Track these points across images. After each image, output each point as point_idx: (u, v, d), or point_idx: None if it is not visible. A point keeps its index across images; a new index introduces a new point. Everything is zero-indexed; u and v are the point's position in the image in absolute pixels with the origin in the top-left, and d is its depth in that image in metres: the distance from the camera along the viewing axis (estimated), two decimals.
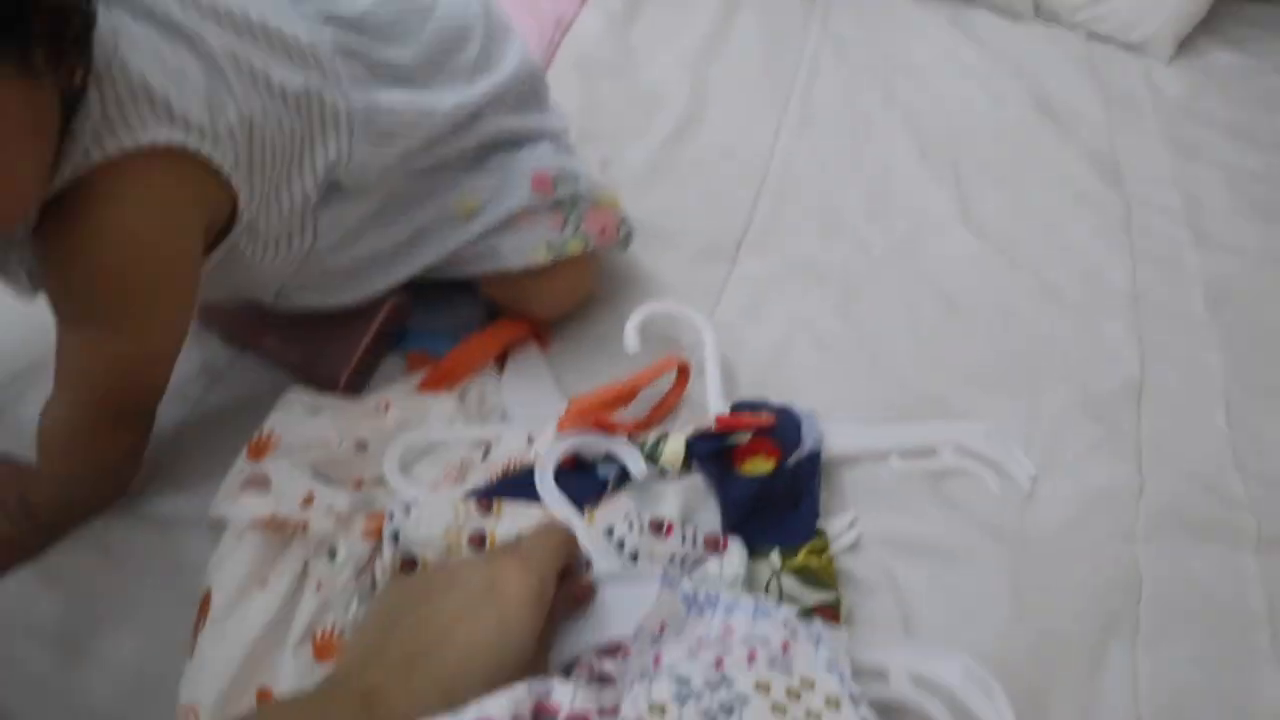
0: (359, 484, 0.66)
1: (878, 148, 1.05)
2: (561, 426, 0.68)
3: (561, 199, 0.76)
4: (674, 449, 0.67)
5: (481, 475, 0.67)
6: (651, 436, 0.68)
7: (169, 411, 0.72)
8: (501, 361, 0.77)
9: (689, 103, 1.04)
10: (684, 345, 0.79)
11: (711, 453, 0.67)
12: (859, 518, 0.69)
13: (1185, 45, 1.29)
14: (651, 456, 0.67)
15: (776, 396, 0.76)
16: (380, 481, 0.66)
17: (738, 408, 0.72)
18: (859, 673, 0.57)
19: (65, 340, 0.60)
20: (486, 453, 0.69)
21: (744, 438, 0.67)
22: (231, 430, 0.67)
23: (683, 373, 0.73)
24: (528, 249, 0.74)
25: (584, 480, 0.66)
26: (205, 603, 0.60)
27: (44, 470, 0.64)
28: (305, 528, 0.60)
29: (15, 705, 0.58)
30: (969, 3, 1.30)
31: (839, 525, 0.68)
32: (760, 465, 0.67)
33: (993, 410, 0.79)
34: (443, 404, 0.72)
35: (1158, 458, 0.77)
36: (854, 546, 0.68)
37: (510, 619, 0.47)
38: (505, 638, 0.47)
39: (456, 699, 0.42)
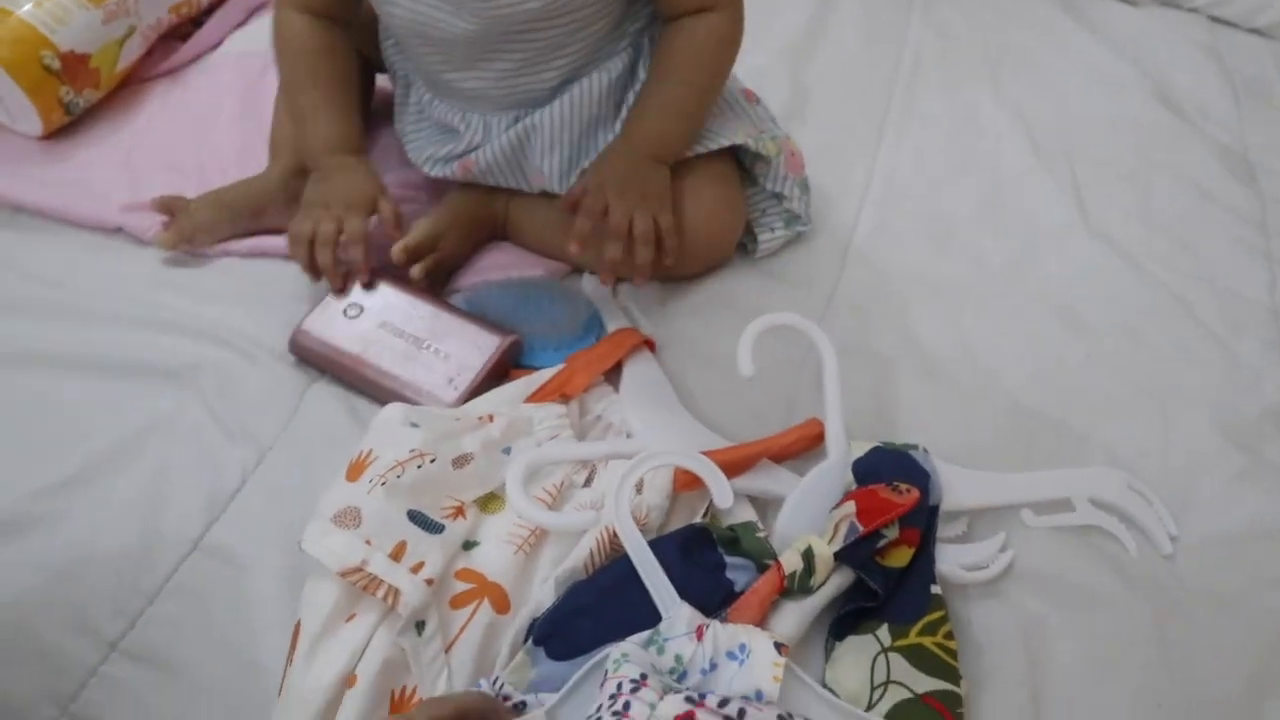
0: (459, 512, 0.63)
1: (988, 147, 1.00)
2: (681, 487, 0.65)
3: (762, 116, 0.86)
4: (824, 572, 0.59)
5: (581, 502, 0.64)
6: (800, 560, 0.60)
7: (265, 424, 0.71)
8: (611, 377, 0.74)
9: (788, 101, 1.00)
10: (797, 365, 0.75)
11: (866, 559, 0.60)
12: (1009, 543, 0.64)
13: None
14: (804, 586, 0.59)
15: (883, 422, 0.72)
16: (482, 504, 0.64)
17: (862, 470, 0.65)
18: (1043, 509, 0.66)
19: None
20: (590, 478, 0.67)
21: (894, 534, 0.61)
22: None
23: (819, 438, 0.69)
24: (730, 132, 0.82)
25: (705, 578, 0.59)
26: (295, 635, 0.58)
27: None
28: (395, 598, 0.57)
29: None
30: None
31: (985, 552, 0.64)
32: (902, 556, 0.61)
33: (1120, 438, 0.74)
34: (548, 414, 0.69)
35: None
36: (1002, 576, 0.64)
37: None
38: None
39: None
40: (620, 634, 0.54)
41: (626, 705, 0.49)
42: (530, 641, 0.56)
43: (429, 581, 0.57)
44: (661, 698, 0.50)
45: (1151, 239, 0.90)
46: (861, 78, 1.08)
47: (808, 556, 0.58)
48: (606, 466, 0.66)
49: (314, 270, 0.78)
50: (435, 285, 0.81)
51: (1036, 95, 1.06)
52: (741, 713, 0.49)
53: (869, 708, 0.55)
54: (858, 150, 0.98)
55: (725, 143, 0.81)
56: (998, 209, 0.93)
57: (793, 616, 0.59)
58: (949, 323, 0.82)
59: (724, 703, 0.49)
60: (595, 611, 0.57)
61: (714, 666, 0.54)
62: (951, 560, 0.64)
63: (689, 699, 0.49)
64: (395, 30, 0.81)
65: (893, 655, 0.56)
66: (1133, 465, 0.71)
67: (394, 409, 0.68)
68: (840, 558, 0.59)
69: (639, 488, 0.64)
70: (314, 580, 0.61)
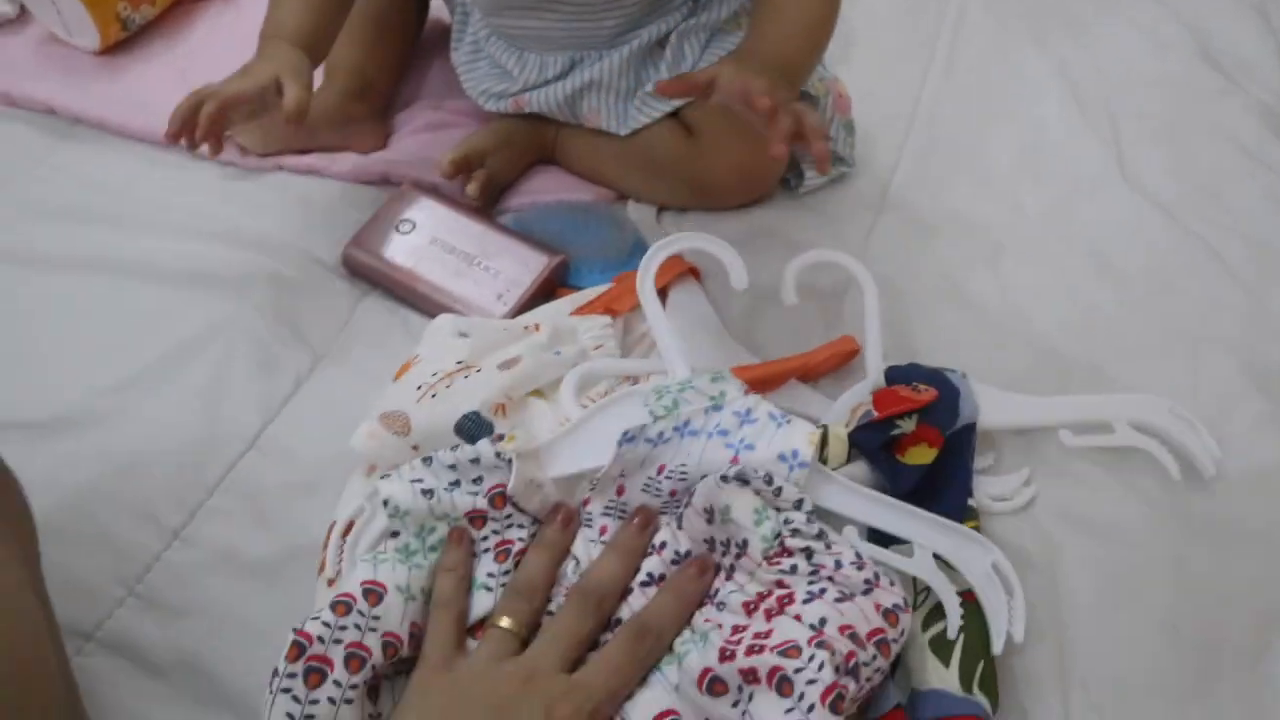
0: (502, 409, 0.65)
1: (1030, 97, 1.00)
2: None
3: None
4: (838, 452, 0.63)
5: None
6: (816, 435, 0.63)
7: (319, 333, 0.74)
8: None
9: (834, 44, 1.00)
10: (838, 297, 0.77)
11: (878, 446, 0.63)
12: (1032, 477, 0.66)
13: None
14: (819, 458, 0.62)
15: (919, 355, 0.74)
16: (527, 403, 0.66)
17: (892, 375, 0.68)
18: (1083, 430, 0.68)
19: None
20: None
21: (909, 425, 0.63)
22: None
23: (853, 351, 0.71)
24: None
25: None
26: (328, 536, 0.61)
27: None
28: None
29: None
30: None
31: (1010, 484, 0.66)
32: (923, 455, 0.63)
33: (1150, 381, 0.75)
34: (593, 325, 0.71)
35: None
36: (1026, 508, 0.66)
37: None
38: None
39: None
40: None
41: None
42: None
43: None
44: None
45: (1187, 192, 0.91)
46: (907, 24, 1.08)
47: (824, 434, 0.61)
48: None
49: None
50: (485, 204, 0.83)
51: (1080, 49, 1.06)
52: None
53: (914, 607, 0.58)
54: (901, 93, 0.99)
55: None
56: (1037, 157, 0.94)
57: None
58: (985, 264, 0.84)
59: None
60: None
61: (752, 419, 0.58)
62: (979, 491, 0.66)
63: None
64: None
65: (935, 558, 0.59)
66: None
67: (445, 319, 0.71)
68: (855, 442, 0.63)
69: None
70: (354, 478, 0.64)
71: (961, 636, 0.55)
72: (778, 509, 0.55)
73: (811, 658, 0.48)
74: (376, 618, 0.52)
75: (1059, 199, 0.90)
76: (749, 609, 0.52)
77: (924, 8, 1.10)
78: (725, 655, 0.49)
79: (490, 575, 0.56)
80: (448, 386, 0.65)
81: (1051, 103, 1.00)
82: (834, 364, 0.72)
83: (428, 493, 0.57)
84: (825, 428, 0.62)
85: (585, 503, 0.59)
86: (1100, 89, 1.01)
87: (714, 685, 0.49)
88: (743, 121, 0.79)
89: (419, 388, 0.65)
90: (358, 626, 0.51)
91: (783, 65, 0.70)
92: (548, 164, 0.89)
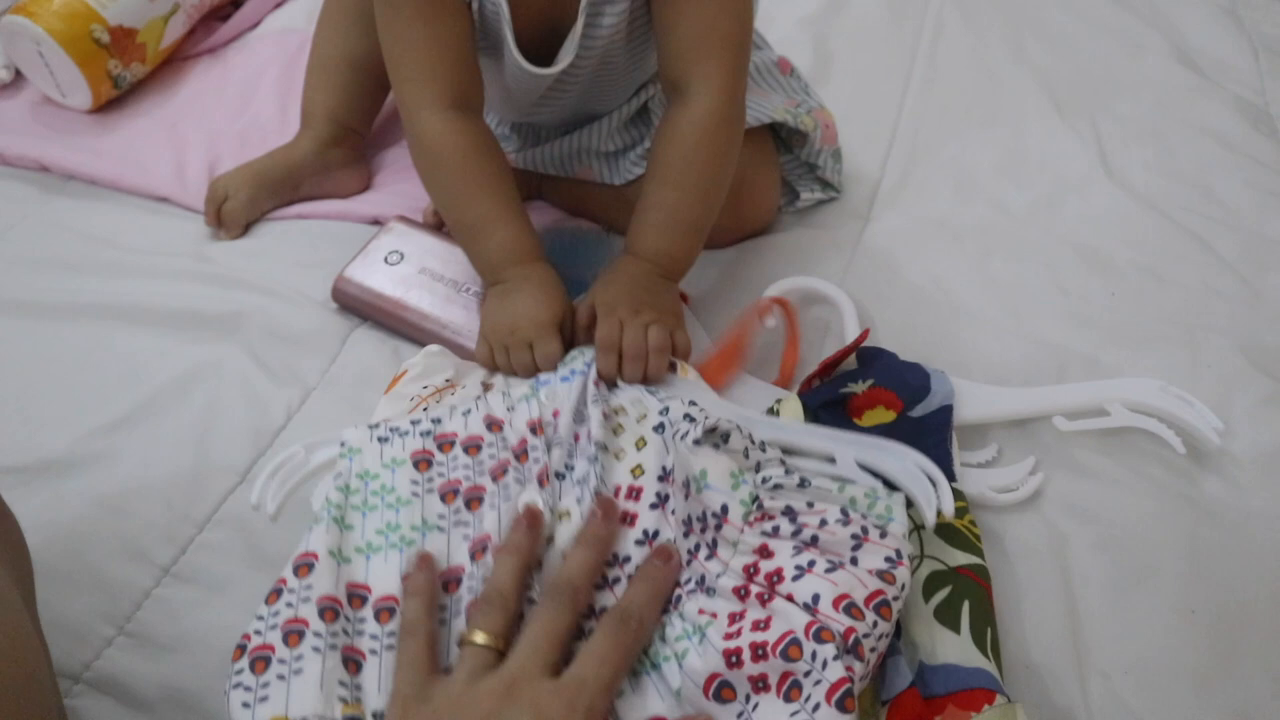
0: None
1: (1010, 104, 1.01)
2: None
3: (796, 87, 0.86)
4: (791, 409, 0.63)
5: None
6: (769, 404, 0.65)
7: (309, 367, 0.74)
8: None
9: (812, 62, 1.02)
10: (822, 317, 0.77)
11: (824, 404, 0.63)
12: (1038, 466, 0.65)
13: None
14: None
15: (913, 357, 0.73)
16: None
17: (863, 356, 0.69)
18: (1075, 416, 0.67)
19: None
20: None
21: (860, 386, 0.64)
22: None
23: (790, 318, 0.71)
24: (768, 108, 0.79)
25: None
26: None
27: None
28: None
29: None
30: None
31: (1015, 475, 0.65)
32: (881, 416, 0.64)
33: (1150, 368, 0.74)
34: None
35: None
36: (1033, 498, 0.64)
37: None
38: None
39: None
40: None
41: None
42: None
43: None
44: None
45: (1173, 186, 0.91)
46: (885, 38, 1.10)
47: (775, 403, 0.65)
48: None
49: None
50: None
51: (1057, 56, 1.07)
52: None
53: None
54: (882, 105, 1.00)
55: (765, 120, 0.81)
56: (1020, 160, 0.94)
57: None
58: (975, 266, 0.83)
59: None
60: None
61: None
62: (982, 483, 0.65)
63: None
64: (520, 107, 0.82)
65: (924, 532, 0.58)
66: None
67: (436, 349, 0.70)
68: (805, 404, 0.64)
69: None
70: None
71: (966, 603, 0.54)
72: (757, 468, 0.55)
73: (814, 654, 0.47)
74: (309, 587, 0.51)
75: (1044, 199, 0.90)
76: (741, 595, 0.50)
77: (902, 22, 1.12)
78: (732, 660, 0.48)
79: (441, 516, 0.56)
80: (437, 401, 0.65)
81: (1032, 108, 1.01)
82: (751, 321, 0.72)
83: (383, 439, 0.58)
84: (778, 398, 0.63)
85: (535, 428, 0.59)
86: (1080, 93, 1.02)
87: (722, 691, 0.48)
88: (739, 165, 0.77)
89: (411, 399, 0.65)
90: (289, 604, 0.50)
91: (664, 268, 0.70)
92: (537, 200, 0.89)
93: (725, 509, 0.53)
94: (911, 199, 0.90)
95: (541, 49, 0.72)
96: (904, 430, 0.63)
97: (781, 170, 0.87)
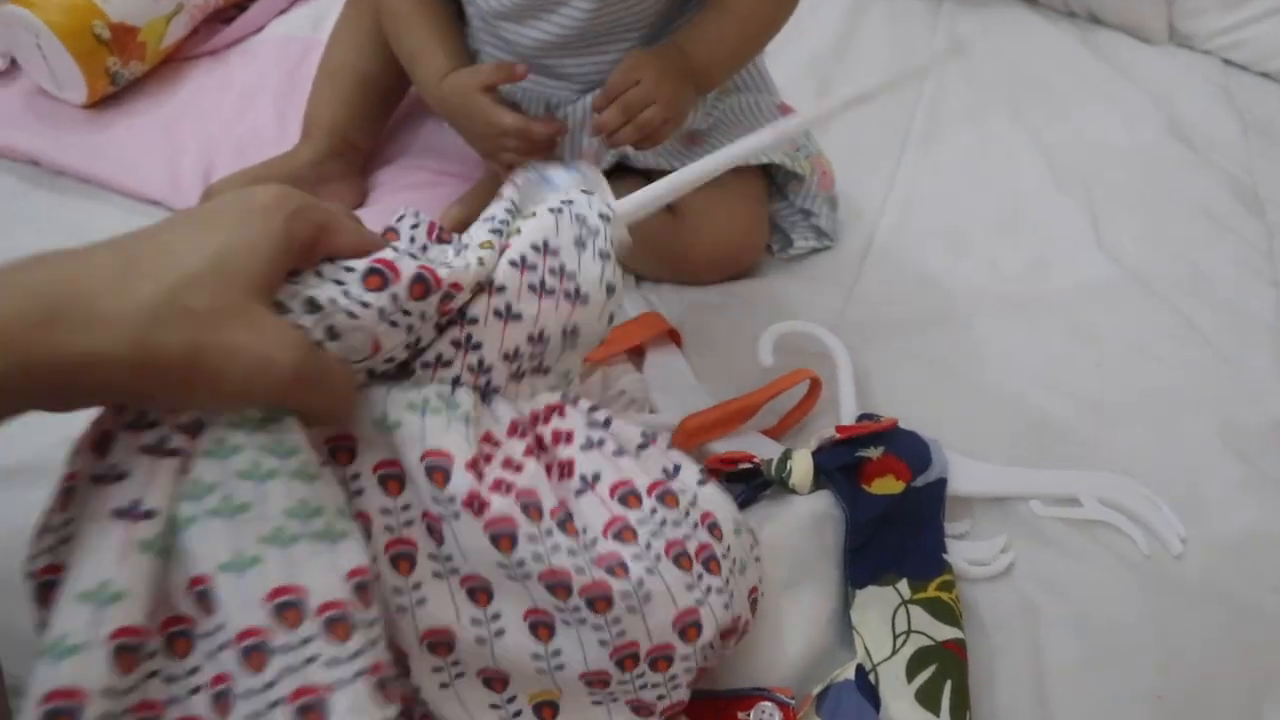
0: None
1: (1006, 165, 1.02)
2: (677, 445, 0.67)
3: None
4: (802, 467, 0.64)
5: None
6: (778, 454, 0.66)
7: None
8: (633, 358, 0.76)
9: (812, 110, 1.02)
10: (813, 361, 0.77)
11: (840, 466, 0.64)
12: (1010, 544, 0.66)
13: None
14: (781, 478, 0.65)
15: (901, 418, 0.73)
16: None
17: (863, 419, 0.70)
18: (1055, 502, 0.70)
19: None
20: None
21: (874, 453, 0.64)
22: None
23: (814, 386, 0.71)
24: (764, 148, 0.77)
25: None
26: None
27: None
28: None
29: None
30: (1100, 23, 1.26)
31: (987, 551, 0.65)
32: (890, 485, 0.65)
33: (1127, 444, 0.75)
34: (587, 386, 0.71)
35: None
36: (1005, 573, 0.65)
37: (255, 214, 0.39)
38: (246, 231, 0.38)
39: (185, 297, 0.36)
40: None
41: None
42: None
43: None
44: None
45: (1161, 259, 0.93)
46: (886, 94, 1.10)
47: (785, 455, 0.65)
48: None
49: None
50: None
51: (1053, 120, 1.09)
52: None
53: (893, 654, 0.57)
54: (880, 160, 1.01)
55: (762, 159, 0.82)
56: (1013, 223, 0.95)
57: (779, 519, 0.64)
58: (963, 326, 0.84)
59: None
60: None
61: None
62: (956, 555, 0.66)
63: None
64: (505, 11, 0.79)
65: (913, 607, 0.59)
66: (1140, 469, 0.72)
67: None
68: (818, 464, 0.64)
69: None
70: None
71: (948, 683, 0.54)
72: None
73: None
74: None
75: (1035, 261, 0.91)
76: (518, 431, 0.49)
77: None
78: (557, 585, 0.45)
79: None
80: None
81: (1026, 171, 1.02)
82: (798, 415, 0.72)
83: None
84: (788, 449, 0.63)
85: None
86: (1074, 159, 1.03)
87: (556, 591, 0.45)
88: (725, 201, 0.80)
89: None
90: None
91: (700, 76, 0.75)
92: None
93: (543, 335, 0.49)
94: (905, 255, 0.90)
95: None
96: (908, 501, 0.64)
97: (775, 215, 0.88)
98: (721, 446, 0.68)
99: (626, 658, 0.46)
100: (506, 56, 0.81)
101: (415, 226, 0.51)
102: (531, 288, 0.48)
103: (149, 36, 0.97)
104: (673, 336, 0.78)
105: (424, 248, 0.50)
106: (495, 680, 0.48)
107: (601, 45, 0.79)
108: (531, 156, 0.73)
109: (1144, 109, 1.12)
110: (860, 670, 0.56)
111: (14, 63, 0.98)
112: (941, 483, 0.66)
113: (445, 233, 0.52)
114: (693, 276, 0.84)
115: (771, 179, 0.87)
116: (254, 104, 0.99)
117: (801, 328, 0.76)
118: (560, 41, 0.77)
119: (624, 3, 0.75)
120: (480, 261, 0.47)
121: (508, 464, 0.47)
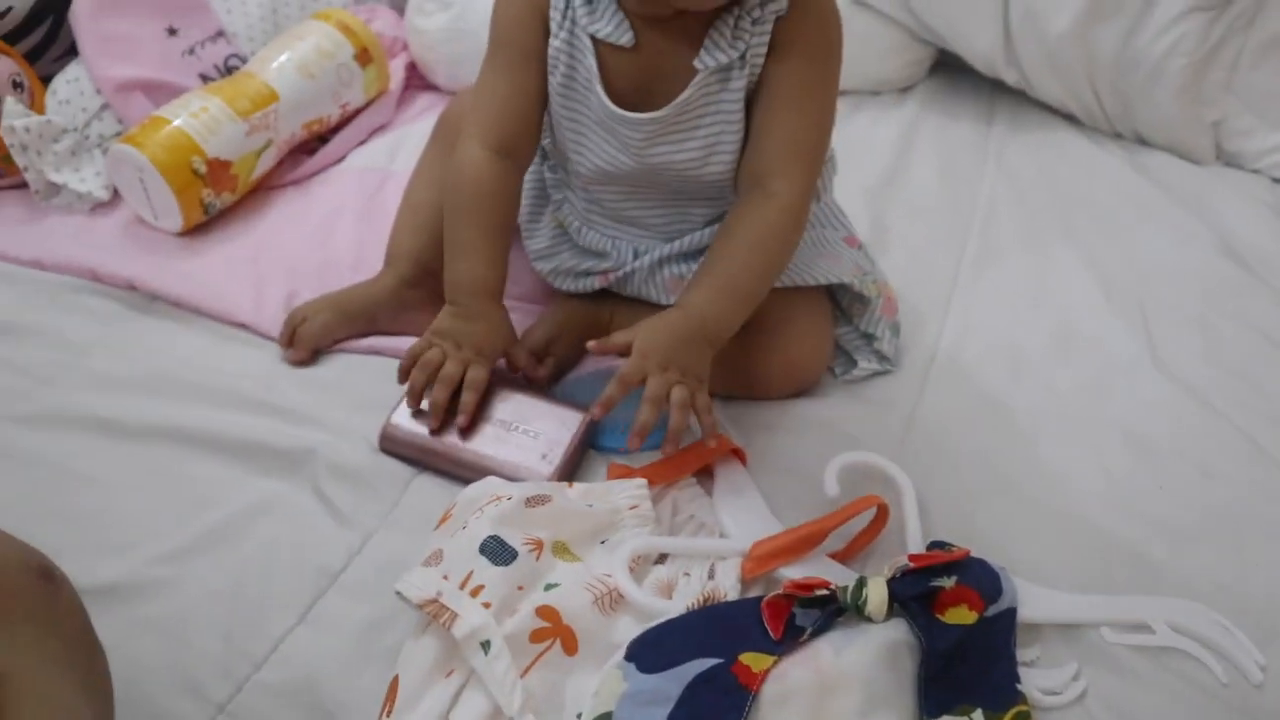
0: (539, 545, 0.67)
1: (1060, 286, 1.04)
2: (747, 574, 0.69)
3: (862, 260, 0.90)
4: (878, 594, 0.64)
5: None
6: (852, 581, 0.66)
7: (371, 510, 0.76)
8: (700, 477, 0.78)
9: (869, 236, 1.05)
10: (876, 485, 0.79)
11: (914, 595, 0.65)
12: (1080, 671, 0.66)
13: None
14: (856, 605, 0.65)
15: (962, 541, 0.74)
16: (557, 551, 0.67)
17: (933, 547, 0.70)
18: (1126, 629, 0.69)
19: None
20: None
21: (948, 582, 0.65)
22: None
23: (882, 511, 0.72)
24: (838, 270, 0.85)
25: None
26: (392, 690, 0.62)
27: None
28: (453, 620, 0.62)
29: None
30: (1147, 145, 1.28)
31: (1059, 679, 0.65)
32: (962, 616, 0.64)
33: (1194, 566, 0.75)
34: (629, 486, 0.73)
35: None
36: (1078, 701, 0.65)
37: None
38: None
39: None
40: (709, 646, 0.61)
41: None
42: (622, 657, 0.61)
43: (486, 605, 0.62)
44: None
45: (1219, 378, 0.93)
46: (940, 219, 1.13)
47: (861, 582, 0.65)
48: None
49: (417, 397, 0.80)
50: (548, 385, 0.87)
51: (1105, 242, 1.10)
52: None
53: None
54: (936, 284, 1.03)
55: (832, 279, 0.84)
56: (1069, 343, 0.97)
57: (855, 645, 0.64)
58: (1025, 448, 0.85)
59: None
60: (684, 625, 0.64)
61: None
62: (1028, 683, 0.66)
63: None
64: (580, 173, 0.86)
65: None
66: (1210, 597, 0.72)
67: (490, 480, 0.73)
68: (893, 592, 0.64)
69: (710, 573, 0.69)
70: (413, 639, 0.65)
71: None
72: None
73: None
74: None
75: (1092, 382, 0.92)
76: None
77: (957, 197, 1.17)
78: None
79: None
80: (478, 515, 0.68)
81: (1081, 291, 1.03)
82: (865, 539, 0.73)
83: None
84: (862, 576, 0.64)
85: None
86: (1128, 279, 1.05)
87: None
88: (795, 319, 0.84)
89: (454, 523, 0.69)
90: None
91: (709, 331, 0.76)
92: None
93: None
94: (964, 375, 0.92)
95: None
96: (981, 631, 0.64)
97: (839, 338, 0.90)
98: (792, 571, 0.69)
99: None
100: (589, 205, 0.88)
101: None
102: None
103: (241, 170, 1.04)
104: (737, 455, 0.79)
105: None
106: None
107: (678, 204, 0.85)
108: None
109: (1195, 229, 1.13)
110: None
111: (115, 194, 1.05)
112: (1012, 611, 0.66)
113: None
114: (761, 391, 0.87)
115: (836, 302, 0.90)
116: (334, 233, 1.04)
117: (865, 459, 0.77)
118: (635, 196, 0.84)
119: (670, 170, 0.81)
120: None
121: None
